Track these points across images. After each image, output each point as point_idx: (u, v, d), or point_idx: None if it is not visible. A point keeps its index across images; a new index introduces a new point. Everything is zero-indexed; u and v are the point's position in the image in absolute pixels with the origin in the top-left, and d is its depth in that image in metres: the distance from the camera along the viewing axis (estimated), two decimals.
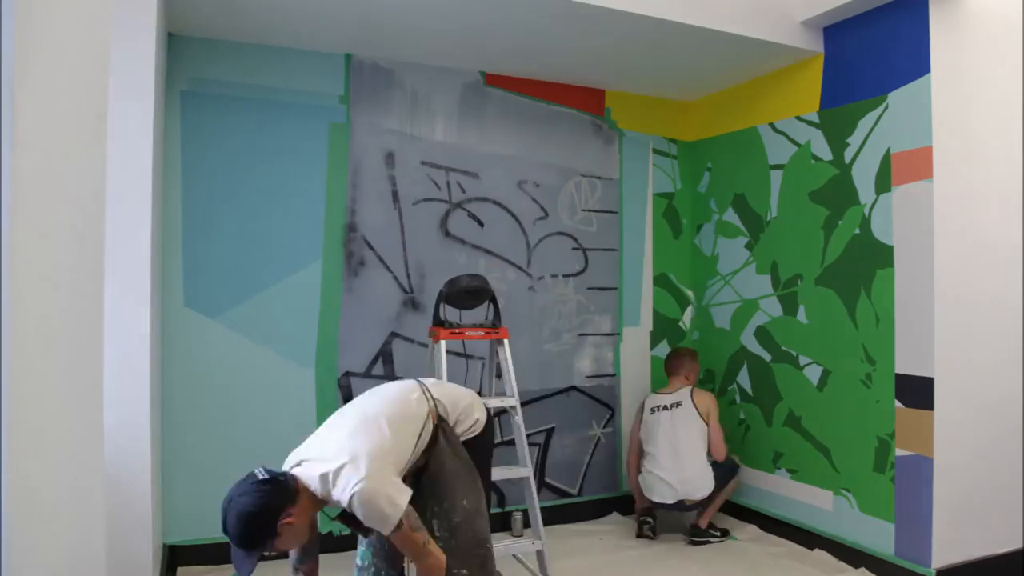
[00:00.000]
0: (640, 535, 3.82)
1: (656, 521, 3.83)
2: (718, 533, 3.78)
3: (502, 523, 3.89)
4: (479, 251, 3.96)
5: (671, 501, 3.69)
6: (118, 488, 2.46)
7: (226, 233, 3.43)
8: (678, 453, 3.71)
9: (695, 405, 3.83)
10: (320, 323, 3.59)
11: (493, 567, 2.31)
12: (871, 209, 3.36)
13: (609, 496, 4.24)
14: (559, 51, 3.68)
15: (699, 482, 3.68)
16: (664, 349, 4.44)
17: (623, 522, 4.12)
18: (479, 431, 2.45)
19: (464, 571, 2.21)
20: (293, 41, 3.50)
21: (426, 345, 3.81)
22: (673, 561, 3.51)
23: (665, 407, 3.85)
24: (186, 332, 3.34)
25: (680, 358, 4.02)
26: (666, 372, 4.06)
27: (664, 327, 4.48)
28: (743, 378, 4.13)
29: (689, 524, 3.81)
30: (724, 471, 3.79)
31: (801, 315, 3.74)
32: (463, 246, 3.92)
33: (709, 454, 3.79)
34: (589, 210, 4.27)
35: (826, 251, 3.59)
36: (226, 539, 2.10)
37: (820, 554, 3.53)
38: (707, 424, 3.81)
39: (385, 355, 3.73)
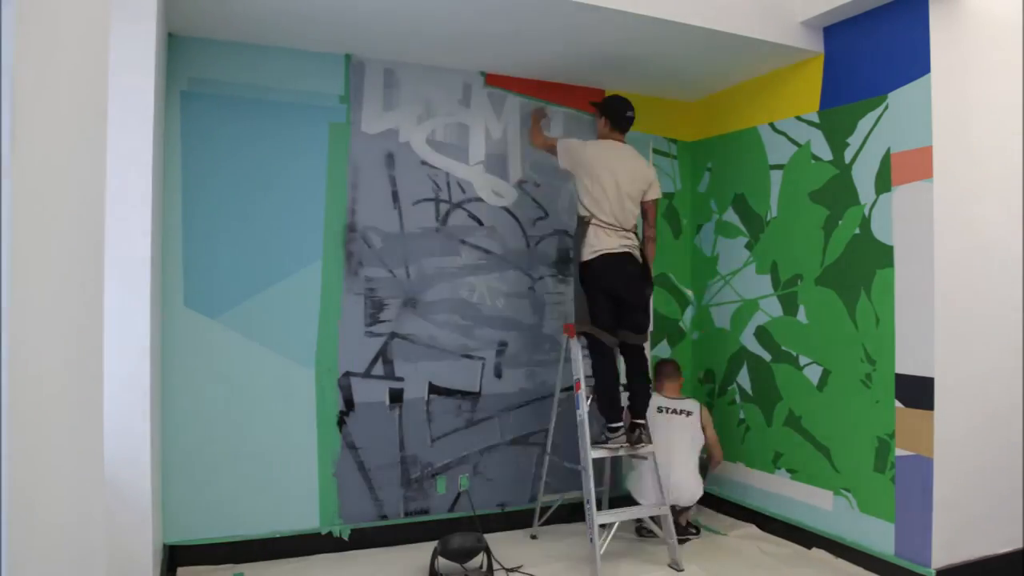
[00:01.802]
0: (641, 534, 3.85)
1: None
2: (695, 531, 3.86)
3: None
4: (479, 251, 3.96)
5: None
6: (118, 488, 2.46)
7: (226, 233, 3.43)
8: (673, 459, 3.72)
9: (700, 419, 3.88)
10: (320, 323, 3.59)
11: None
12: (871, 209, 3.36)
13: (609, 496, 4.24)
14: (559, 51, 3.68)
15: (690, 489, 3.74)
16: (664, 349, 4.44)
17: (623, 522, 4.11)
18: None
19: None
20: (293, 41, 3.50)
21: (425, 344, 3.81)
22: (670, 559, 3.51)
23: (674, 411, 3.85)
24: (186, 332, 3.34)
25: (672, 366, 4.06)
26: (663, 378, 4.01)
27: (664, 327, 4.48)
28: (743, 378, 4.13)
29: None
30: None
31: (801, 315, 3.74)
32: (463, 246, 3.92)
33: (705, 467, 3.93)
34: None
35: (826, 251, 3.59)
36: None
37: (820, 554, 3.53)
38: (704, 435, 3.88)
39: (385, 355, 3.73)
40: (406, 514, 3.75)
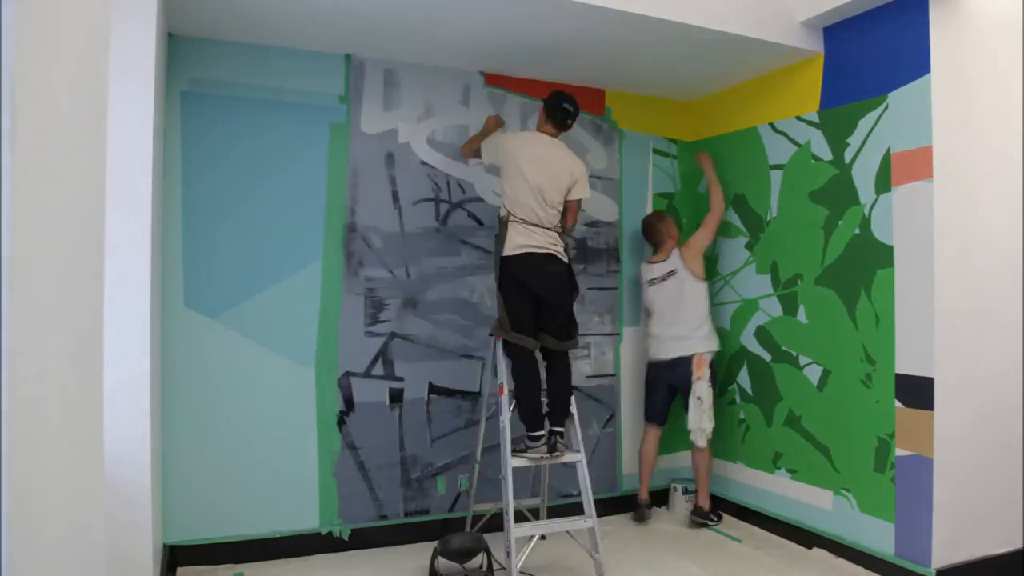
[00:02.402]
0: (638, 519, 4.10)
1: (650, 510, 4.12)
2: (715, 517, 4.01)
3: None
4: (479, 251, 3.96)
5: (674, 356, 3.97)
6: (118, 488, 2.46)
7: (226, 233, 3.43)
8: (680, 315, 3.99)
9: (686, 264, 4.02)
10: (320, 323, 3.59)
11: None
12: (871, 209, 3.36)
13: (609, 496, 4.24)
14: (559, 51, 3.68)
15: (701, 340, 3.96)
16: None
17: (624, 522, 4.12)
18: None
19: None
20: (293, 41, 3.50)
21: (425, 344, 3.81)
22: (672, 561, 3.51)
23: (660, 279, 4.06)
24: (186, 332, 3.34)
25: (659, 225, 4.17)
26: (652, 244, 4.22)
27: None
28: (743, 378, 4.13)
29: (692, 506, 4.09)
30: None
31: (801, 315, 3.74)
32: (463, 246, 3.92)
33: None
34: (589, 210, 4.27)
35: (826, 251, 3.59)
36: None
37: (820, 554, 3.53)
38: (703, 279, 4.06)
39: (385, 355, 3.73)
40: (406, 514, 3.75)
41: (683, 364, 3.97)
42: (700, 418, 3.90)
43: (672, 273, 4.04)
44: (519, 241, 3.25)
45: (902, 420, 3.20)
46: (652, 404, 4.16)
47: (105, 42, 1.28)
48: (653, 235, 4.19)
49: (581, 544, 3.38)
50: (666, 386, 4.09)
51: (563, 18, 3.24)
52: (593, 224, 4.28)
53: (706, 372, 3.94)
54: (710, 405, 3.92)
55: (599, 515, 4.16)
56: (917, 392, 3.14)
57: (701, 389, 3.91)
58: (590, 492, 3.31)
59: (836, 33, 3.56)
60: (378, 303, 3.72)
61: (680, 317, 4.01)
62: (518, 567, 3.04)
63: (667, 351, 4.03)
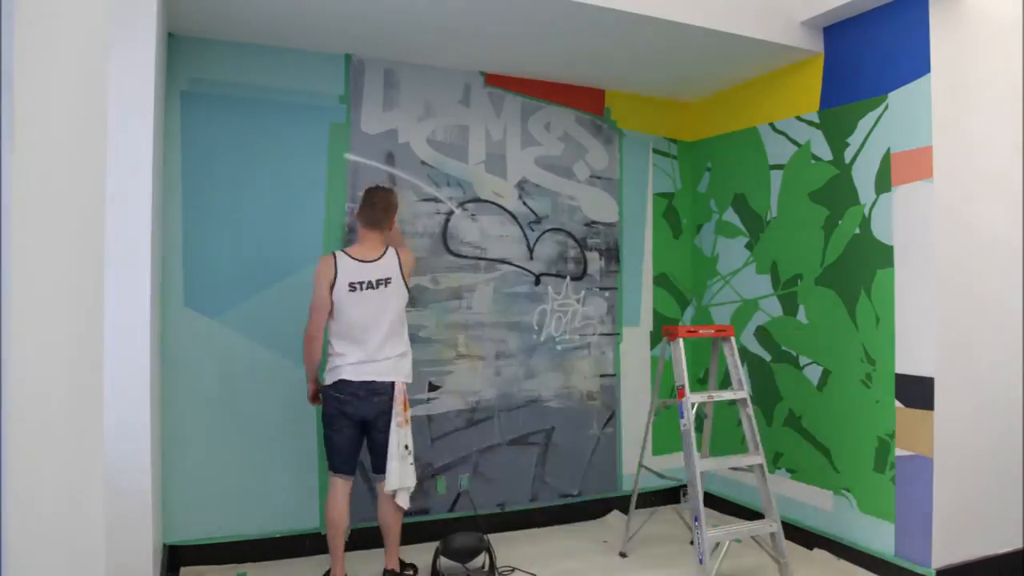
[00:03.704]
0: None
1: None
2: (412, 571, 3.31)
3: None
4: (479, 251, 3.96)
5: (364, 379, 2.95)
6: (118, 488, 2.46)
7: (226, 233, 3.43)
8: (387, 338, 3.00)
9: (402, 272, 3.06)
10: None
11: None
12: (871, 209, 3.36)
13: (609, 496, 4.24)
14: (559, 51, 3.68)
15: (401, 367, 3.03)
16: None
17: (624, 522, 4.11)
18: None
19: None
20: (293, 41, 3.50)
21: (425, 344, 3.81)
22: (672, 561, 3.51)
23: (371, 284, 2.98)
24: (186, 332, 3.34)
25: (381, 204, 3.07)
26: (365, 225, 3.06)
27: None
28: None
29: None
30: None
31: (801, 315, 3.74)
32: (463, 246, 3.92)
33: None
34: (589, 210, 4.27)
35: (826, 251, 3.59)
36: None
37: (820, 554, 3.53)
38: (407, 291, 3.08)
39: None
40: (406, 514, 3.74)
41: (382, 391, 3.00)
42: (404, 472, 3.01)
43: (387, 282, 3.03)
44: None
45: (902, 420, 3.20)
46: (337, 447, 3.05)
47: (105, 42, 1.28)
48: (373, 212, 3.07)
49: (764, 548, 3.37)
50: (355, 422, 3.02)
51: (563, 18, 3.24)
52: (593, 224, 4.28)
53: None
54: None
55: (599, 515, 4.19)
56: (917, 392, 3.14)
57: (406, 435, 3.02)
58: (772, 497, 3.28)
59: (836, 33, 3.56)
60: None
61: (387, 339, 3.03)
62: (713, 572, 3.10)
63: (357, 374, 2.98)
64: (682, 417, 3.26)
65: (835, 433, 3.54)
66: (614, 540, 3.81)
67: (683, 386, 3.28)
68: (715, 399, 3.38)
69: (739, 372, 3.42)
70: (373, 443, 3.06)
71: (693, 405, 3.26)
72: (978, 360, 3.19)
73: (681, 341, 3.35)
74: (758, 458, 3.31)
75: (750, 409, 3.38)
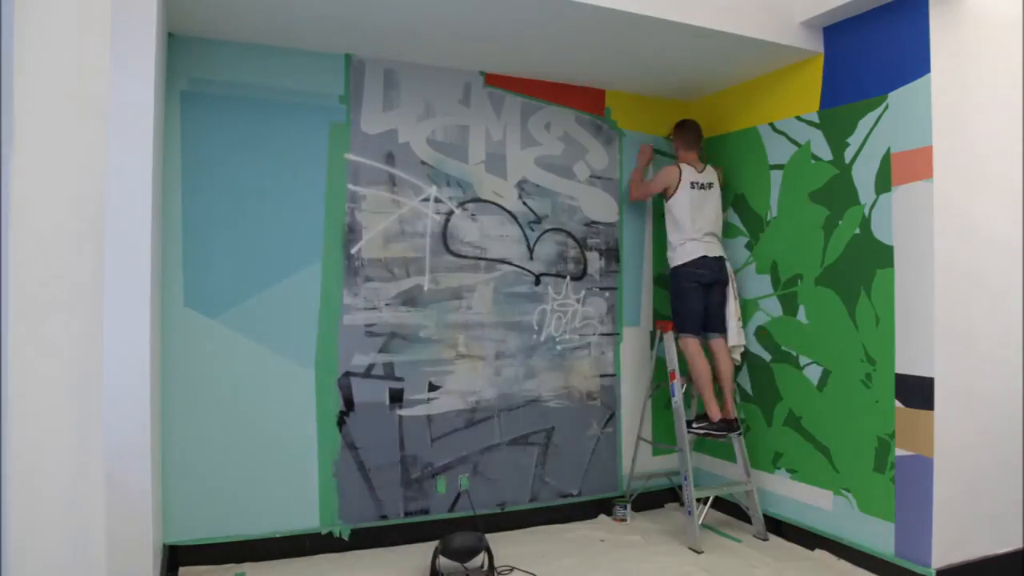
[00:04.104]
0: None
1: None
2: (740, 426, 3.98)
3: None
4: (479, 251, 3.96)
5: (718, 254, 3.97)
6: (118, 488, 2.46)
7: (226, 233, 3.43)
8: (715, 232, 4.03)
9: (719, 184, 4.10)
10: (320, 323, 3.59)
11: None
12: (871, 209, 3.36)
13: (610, 496, 4.24)
14: (559, 51, 3.68)
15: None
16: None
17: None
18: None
19: None
20: (293, 41, 3.50)
21: (426, 344, 3.81)
22: (671, 560, 3.51)
23: (702, 185, 4.01)
24: (186, 332, 3.34)
25: (696, 131, 4.13)
26: (684, 147, 4.10)
27: None
28: (743, 378, 4.13)
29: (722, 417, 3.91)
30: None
31: (801, 315, 3.74)
32: (463, 246, 3.92)
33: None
34: (589, 210, 4.27)
35: (826, 251, 3.59)
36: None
37: (820, 554, 3.53)
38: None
39: (385, 355, 3.72)
40: (406, 514, 3.75)
41: (721, 266, 4.01)
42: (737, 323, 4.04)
43: (710, 185, 4.05)
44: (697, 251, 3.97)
45: (902, 420, 3.20)
46: (693, 312, 3.99)
47: (105, 42, 1.28)
48: (692, 137, 4.11)
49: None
50: (703, 288, 3.98)
51: (563, 18, 3.24)
52: (593, 224, 4.28)
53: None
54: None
55: (598, 515, 4.19)
56: (917, 392, 3.14)
57: (733, 290, 4.05)
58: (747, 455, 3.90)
59: (836, 33, 3.56)
60: (378, 303, 3.72)
61: (715, 225, 4.05)
62: (699, 521, 3.74)
63: (709, 250, 3.97)
64: (673, 395, 3.92)
65: (835, 433, 3.54)
66: (613, 539, 3.81)
67: (674, 370, 3.94)
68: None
69: (732, 312, 3.97)
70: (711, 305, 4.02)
71: (683, 385, 3.96)
72: (978, 360, 3.19)
73: (672, 333, 4.00)
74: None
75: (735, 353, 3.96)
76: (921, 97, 3.12)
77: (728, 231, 4.25)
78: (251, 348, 3.45)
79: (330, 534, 3.58)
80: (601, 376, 4.29)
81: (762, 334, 4.00)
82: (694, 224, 3.95)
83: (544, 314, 4.12)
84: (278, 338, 3.50)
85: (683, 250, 3.96)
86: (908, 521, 3.16)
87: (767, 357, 3.96)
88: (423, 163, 3.84)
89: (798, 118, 3.77)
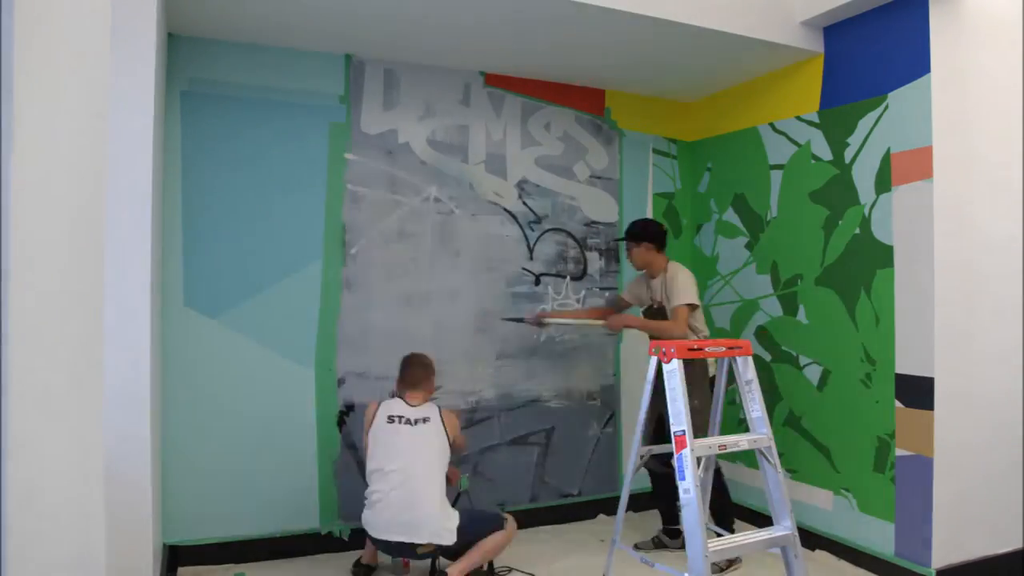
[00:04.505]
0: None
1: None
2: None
3: None
4: (479, 251, 3.96)
5: (401, 539, 2.91)
6: (118, 488, 2.46)
7: (226, 233, 3.43)
8: (414, 481, 2.94)
9: (443, 423, 3.09)
10: (320, 323, 3.59)
11: None
12: (871, 209, 3.36)
13: (610, 496, 4.24)
14: (559, 51, 3.68)
15: (439, 522, 2.90)
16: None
17: (624, 521, 4.11)
18: None
19: None
20: (293, 41, 3.50)
21: (426, 344, 3.81)
22: (671, 560, 3.50)
23: (408, 420, 3.06)
24: (186, 332, 3.34)
25: (422, 368, 3.26)
26: (403, 384, 3.23)
27: None
28: None
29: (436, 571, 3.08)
30: (484, 522, 3.11)
31: (801, 315, 3.74)
32: (463, 246, 3.92)
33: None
34: (589, 210, 4.27)
35: (826, 251, 3.59)
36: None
37: (820, 554, 3.53)
38: (451, 448, 3.11)
39: (385, 355, 3.72)
40: None
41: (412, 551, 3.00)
42: None
43: (425, 420, 3.09)
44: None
45: (902, 420, 3.20)
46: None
47: (105, 42, 1.28)
48: (414, 373, 3.24)
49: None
50: None
51: (563, 18, 3.24)
52: (593, 224, 4.28)
53: None
54: None
55: (598, 515, 4.19)
56: (917, 392, 3.14)
57: None
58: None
59: (836, 33, 3.56)
60: (378, 303, 3.72)
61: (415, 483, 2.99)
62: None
63: (386, 531, 2.95)
64: (682, 479, 2.38)
65: (835, 433, 3.54)
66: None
67: (683, 432, 2.41)
68: (728, 448, 2.50)
69: (757, 404, 2.68)
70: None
71: (700, 460, 2.44)
72: (978, 360, 3.19)
73: (678, 363, 2.45)
74: (786, 529, 2.56)
75: (776, 458, 2.58)
76: (921, 97, 3.12)
77: (728, 231, 4.25)
78: (251, 348, 3.45)
79: (330, 534, 3.58)
80: (601, 376, 4.29)
81: (762, 334, 4.00)
82: None
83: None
84: (278, 338, 3.50)
85: None
86: (908, 521, 3.16)
87: (767, 357, 3.96)
88: (423, 163, 3.84)
89: (798, 118, 3.77)
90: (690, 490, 2.36)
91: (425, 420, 3.08)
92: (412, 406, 3.13)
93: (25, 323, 0.89)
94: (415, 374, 3.22)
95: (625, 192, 4.38)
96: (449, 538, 2.93)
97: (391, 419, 3.08)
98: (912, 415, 3.16)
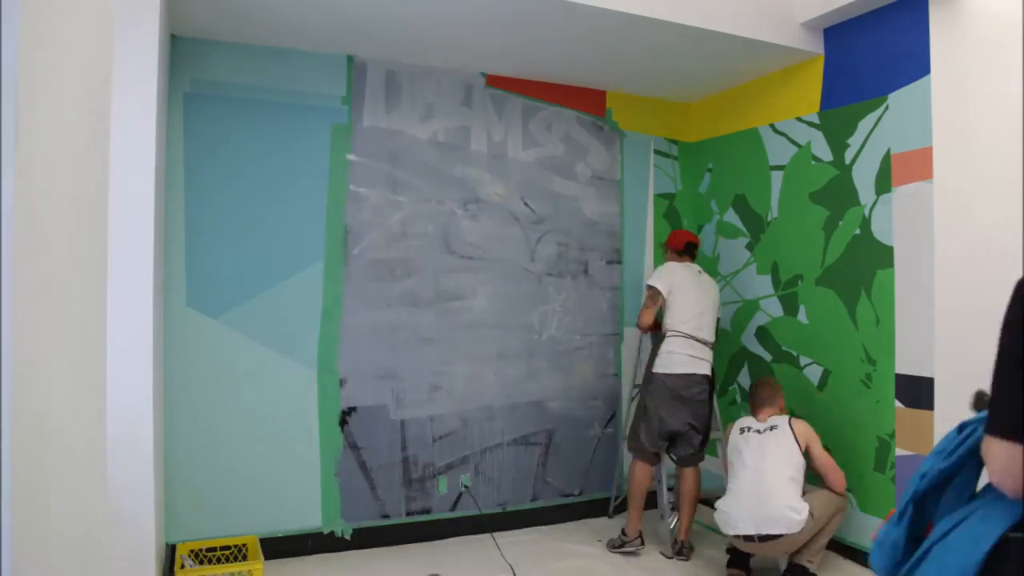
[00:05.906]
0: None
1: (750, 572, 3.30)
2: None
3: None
4: (479, 251, 3.96)
5: (749, 532, 3.07)
6: (120, 488, 2.47)
7: (228, 233, 3.44)
8: (763, 481, 3.12)
9: (792, 430, 3.24)
10: (321, 323, 3.60)
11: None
12: (871, 210, 3.36)
13: (610, 496, 4.25)
14: (560, 52, 3.69)
15: (785, 516, 3.02)
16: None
17: (623, 521, 4.11)
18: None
19: None
20: (295, 42, 3.51)
21: (427, 344, 3.82)
22: (671, 560, 3.51)
23: (757, 430, 3.29)
24: (188, 332, 3.35)
25: (767, 387, 3.45)
26: (753, 405, 3.42)
27: None
28: (743, 378, 4.14)
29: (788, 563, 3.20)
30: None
31: (801, 315, 3.75)
32: (464, 246, 3.93)
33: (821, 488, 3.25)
34: (590, 211, 4.28)
35: (826, 251, 3.59)
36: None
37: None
38: (804, 454, 3.21)
39: (386, 355, 3.73)
40: (408, 514, 3.76)
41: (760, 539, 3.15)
42: None
43: (773, 428, 3.26)
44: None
45: (902, 420, 3.21)
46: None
47: (108, 44, 1.29)
48: (762, 393, 3.45)
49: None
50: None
51: (564, 19, 3.25)
52: (594, 224, 4.29)
53: None
54: None
55: (597, 515, 4.19)
56: (917, 392, 3.14)
57: None
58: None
59: (836, 34, 3.56)
60: (379, 303, 3.73)
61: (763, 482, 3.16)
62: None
63: (735, 526, 3.14)
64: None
65: (835, 433, 3.54)
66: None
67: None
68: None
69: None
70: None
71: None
72: (978, 360, 3.17)
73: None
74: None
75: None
76: (921, 98, 3.12)
77: (729, 231, 4.26)
78: (253, 348, 3.46)
79: (332, 534, 3.59)
80: (602, 376, 4.29)
81: (762, 334, 4.00)
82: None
83: (545, 314, 4.13)
84: (280, 338, 3.51)
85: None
86: None
87: (767, 357, 3.97)
88: (425, 164, 3.85)
89: (799, 119, 3.77)
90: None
91: (772, 428, 3.30)
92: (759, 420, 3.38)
93: (28, 324, 0.90)
94: (761, 394, 3.45)
95: (626, 193, 4.39)
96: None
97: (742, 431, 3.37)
98: (912, 415, 3.16)
